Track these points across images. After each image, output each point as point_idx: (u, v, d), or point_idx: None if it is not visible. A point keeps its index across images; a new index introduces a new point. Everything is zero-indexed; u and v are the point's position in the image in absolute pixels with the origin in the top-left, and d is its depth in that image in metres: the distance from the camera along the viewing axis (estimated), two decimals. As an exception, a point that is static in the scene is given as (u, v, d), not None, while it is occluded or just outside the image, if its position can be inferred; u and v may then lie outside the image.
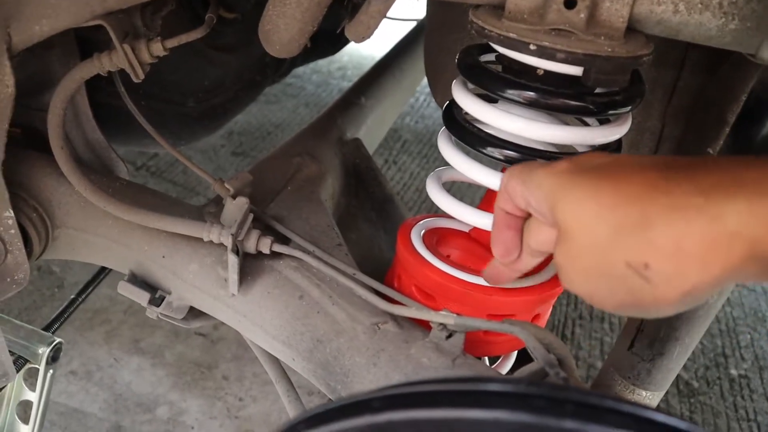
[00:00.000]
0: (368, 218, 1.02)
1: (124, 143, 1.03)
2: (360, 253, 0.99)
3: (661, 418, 0.31)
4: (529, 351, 0.50)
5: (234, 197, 0.73)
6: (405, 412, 0.32)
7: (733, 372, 1.57)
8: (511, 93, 0.59)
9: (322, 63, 2.91)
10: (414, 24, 1.76)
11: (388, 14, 1.71)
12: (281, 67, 1.30)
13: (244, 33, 1.13)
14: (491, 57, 0.64)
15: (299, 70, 2.83)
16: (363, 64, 2.91)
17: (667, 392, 1.48)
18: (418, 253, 0.70)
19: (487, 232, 0.74)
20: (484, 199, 0.79)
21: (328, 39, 1.31)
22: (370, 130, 1.17)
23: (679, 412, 1.44)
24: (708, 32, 0.56)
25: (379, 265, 0.96)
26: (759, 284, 1.90)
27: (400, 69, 1.37)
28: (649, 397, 0.64)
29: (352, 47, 2.96)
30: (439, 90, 1.02)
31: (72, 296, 1.13)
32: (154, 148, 1.45)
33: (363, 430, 0.33)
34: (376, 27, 0.57)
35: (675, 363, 0.61)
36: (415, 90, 1.51)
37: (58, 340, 0.86)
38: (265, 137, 2.28)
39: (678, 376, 1.54)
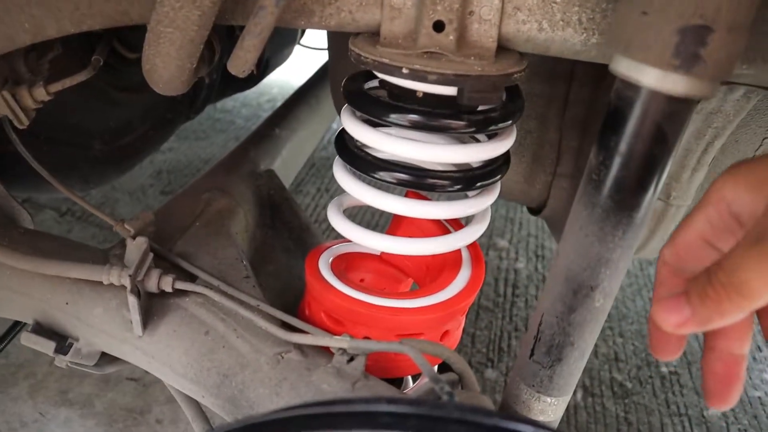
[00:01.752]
0: (286, 248, 1.02)
1: (29, 190, 1.01)
2: (279, 283, 0.98)
3: (508, 425, 0.32)
4: (419, 368, 0.51)
5: (134, 237, 0.72)
6: (259, 442, 0.32)
7: (664, 369, 1.62)
8: (394, 117, 0.60)
9: (251, 96, 2.90)
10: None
11: (305, 43, 1.72)
12: (194, 104, 1.29)
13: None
14: (375, 83, 0.66)
15: (228, 104, 2.82)
16: (292, 94, 2.92)
17: (602, 395, 1.51)
18: (324, 280, 0.71)
19: (396, 254, 0.76)
20: (392, 222, 0.80)
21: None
22: (286, 161, 1.17)
23: (615, 413, 1.47)
24: (574, 47, 0.59)
25: (299, 294, 0.96)
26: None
27: (315, 98, 1.38)
28: (555, 402, 0.65)
29: (281, 78, 2.97)
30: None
31: (-15, 352, 1.09)
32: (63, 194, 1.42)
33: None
34: (254, 60, 0.57)
35: (574, 367, 0.62)
36: (333, 118, 1.52)
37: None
38: (195, 174, 2.26)
39: (612, 379, 1.57)
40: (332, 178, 2.28)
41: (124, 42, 0.99)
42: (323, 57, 1.83)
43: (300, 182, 2.24)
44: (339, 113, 1.07)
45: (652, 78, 0.46)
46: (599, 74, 0.87)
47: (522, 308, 1.78)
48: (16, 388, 1.40)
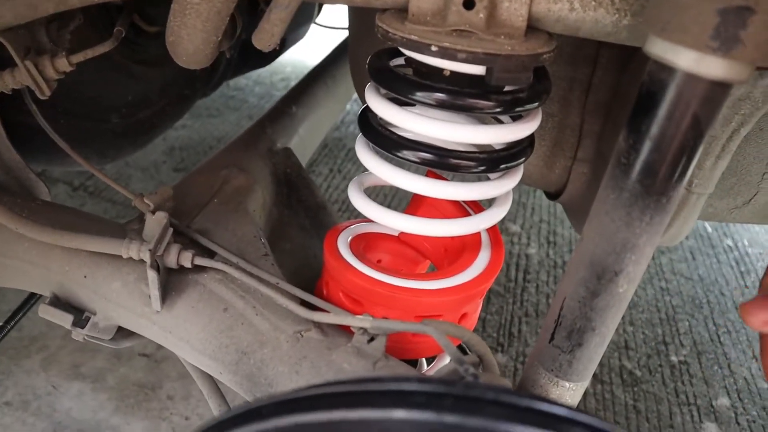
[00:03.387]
0: (302, 227, 1.02)
1: (46, 163, 1.00)
2: (295, 262, 0.98)
3: (541, 406, 0.32)
4: (444, 349, 0.50)
5: (154, 212, 0.72)
6: (290, 417, 0.32)
7: (674, 359, 1.62)
8: (420, 95, 0.60)
9: (264, 74, 2.89)
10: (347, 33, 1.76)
11: (320, 21, 1.71)
12: (211, 80, 1.28)
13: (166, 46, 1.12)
14: (401, 61, 0.65)
15: (241, 82, 2.81)
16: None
17: (611, 383, 1.52)
18: (343, 259, 0.70)
19: (415, 235, 0.75)
20: (411, 202, 0.80)
21: (257, 50, 1.31)
22: (303, 139, 1.16)
23: (624, 401, 1.48)
24: (604, 28, 0.58)
25: (314, 273, 0.96)
26: (696, 272, 1.96)
27: (332, 77, 1.37)
28: (573, 387, 0.65)
29: (294, 58, 2.95)
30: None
31: (0, 324, 1.10)
32: (80, 167, 1.42)
33: (251, 438, 0.33)
34: (280, 34, 0.57)
35: (594, 353, 0.62)
36: (350, 98, 1.51)
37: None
38: (208, 152, 2.25)
39: (621, 366, 1.57)
40: (345, 159, 2.27)
41: (142, 15, 0.98)
42: (338, 36, 1.81)
43: (313, 162, 2.24)
44: (358, 91, 1.07)
45: (689, 60, 0.45)
46: (625, 59, 0.86)
47: (533, 293, 1.77)
48: (29, 360, 1.41)
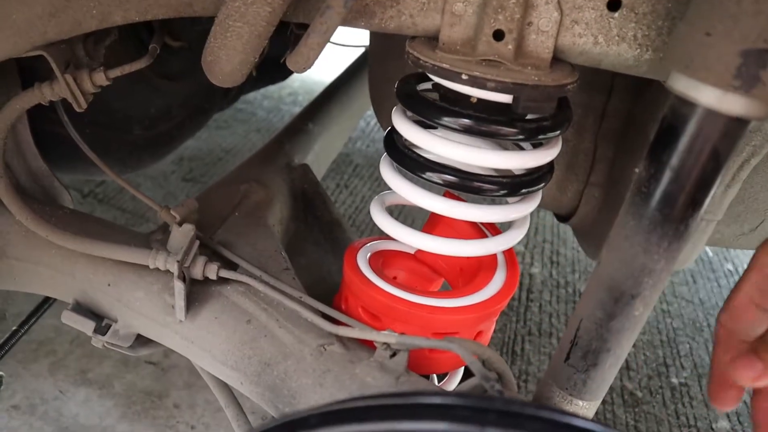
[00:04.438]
0: (317, 242, 1.04)
1: (69, 171, 1.02)
2: (310, 276, 1.00)
3: (580, 423, 0.34)
4: (469, 366, 0.52)
5: (180, 224, 0.74)
6: (339, 428, 0.34)
7: (674, 380, 1.63)
8: (446, 120, 0.62)
9: (272, 89, 2.92)
10: (362, 50, 1.79)
11: (335, 40, 1.74)
12: (229, 94, 1.31)
13: (190, 61, 1.14)
14: (428, 85, 0.67)
15: (250, 96, 2.84)
16: (314, 89, 2.94)
17: (612, 403, 1.53)
18: (364, 275, 0.72)
19: (432, 254, 0.77)
20: (428, 222, 0.82)
21: (275, 66, 1.33)
22: (318, 156, 1.19)
23: (624, 421, 1.49)
24: (626, 62, 0.60)
25: (328, 288, 0.98)
26: (697, 295, 1.98)
27: (347, 95, 1.40)
28: (586, 406, 0.66)
29: (303, 74, 2.98)
30: (384, 116, 1.05)
31: (14, 328, 1.11)
32: (100, 176, 1.44)
33: (301, 446, 0.35)
34: (315, 58, 0.59)
35: (608, 373, 0.63)
36: (362, 115, 1.54)
37: (-1, 373, 0.84)
38: (216, 163, 2.28)
39: (623, 387, 1.59)
40: (351, 175, 2.29)
41: (168, 30, 1.01)
42: (346, 53, 1.84)
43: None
44: (376, 110, 1.09)
45: (711, 97, 0.48)
46: (639, 88, 0.88)
47: (536, 313, 1.79)
48: (37, 364, 1.42)
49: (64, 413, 1.32)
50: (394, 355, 0.61)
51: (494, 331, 1.69)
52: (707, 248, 2.22)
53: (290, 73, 1.61)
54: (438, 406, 0.33)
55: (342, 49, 1.99)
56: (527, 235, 2.13)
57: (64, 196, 0.90)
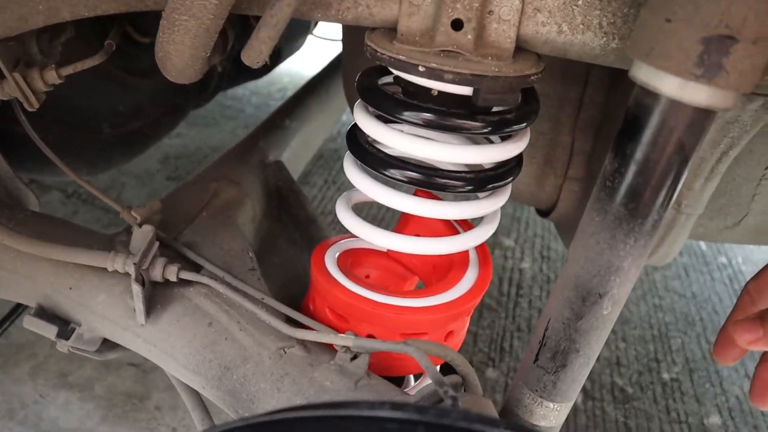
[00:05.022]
0: (292, 240, 1.02)
1: (35, 172, 1.00)
2: (284, 275, 0.98)
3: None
4: (424, 369, 0.50)
5: (141, 225, 0.72)
6: (260, 443, 0.32)
7: (665, 376, 1.61)
8: (407, 115, 0.60)
9: (261, 84, 2.90)
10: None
11: (318, 33, 1.71)
12: (205, 91, 1.29)
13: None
14: (390, 79, 0.65)
15: (238, 92, 2.82)
16: (303, 84, 2.91)
17: (602, 399, 1.51)
18: (329, 275, 0.70)
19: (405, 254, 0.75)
20: (400, 220, 0.80)
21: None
22: (295, 152, 1.16)
23: (614, 418, 1.47)
24: (592, 51, 0.58)
25: (304, 287, 0.95)
26: (689, 289, 1.96)
27: (326, 91, 1.38)
28: (557, 408, 0.65)
29: (291, 68, 2.96)
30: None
31: (-13, 332, 1.09)
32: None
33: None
34: (268, 52, 0.57)
35: (578, 374, 0.62)
36: (343, 111, 1.52)
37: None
38: (202, 161, 2.25)
39: (613, 383, 1.57)
40: (339, 170, 2.27)
41: (135, 26, 0.98)
42: (335, 48, 1.82)
43: (307, 173, 2.24)
44: (351, 107, 1.07)
45: (673, 86, 0.46)
46: (615, 78, 0.86)
47: (525, 308, 1.77)
48: (17, 369, 1.40)
49: (44, 417, 1.30)
50: (354, 357, 0.59)
51: (483, 327, 1.67)
52: (700, 242, 2.19)
53: (271, 68, 1.59)
54: (363, 419, 0.31)
55: (333, 44, 1.97)
56: (518, 229, 2.11)
57: (29, 197, 0.87)
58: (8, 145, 0.86)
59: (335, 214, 0.71)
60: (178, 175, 2.15)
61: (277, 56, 1.58)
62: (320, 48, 2.25)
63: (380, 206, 2.00)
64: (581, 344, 0.59)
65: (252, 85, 2.86)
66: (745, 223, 0.98)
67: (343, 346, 0.59)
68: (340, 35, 1.54)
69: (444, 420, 0.31)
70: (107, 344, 0.80)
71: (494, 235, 2.07)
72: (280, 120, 1.18)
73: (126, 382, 1.40)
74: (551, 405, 0.64)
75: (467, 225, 0.76)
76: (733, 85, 0.44)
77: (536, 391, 0.64)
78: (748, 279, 0.64)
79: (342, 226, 0.71)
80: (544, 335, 0.61)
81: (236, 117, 2.63)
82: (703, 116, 0.47)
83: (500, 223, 0.73)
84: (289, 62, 1.93)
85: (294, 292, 0.94)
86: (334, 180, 2.22)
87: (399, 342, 0.56)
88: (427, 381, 0.82)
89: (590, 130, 0.91)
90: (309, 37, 1.83)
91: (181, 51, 0.57)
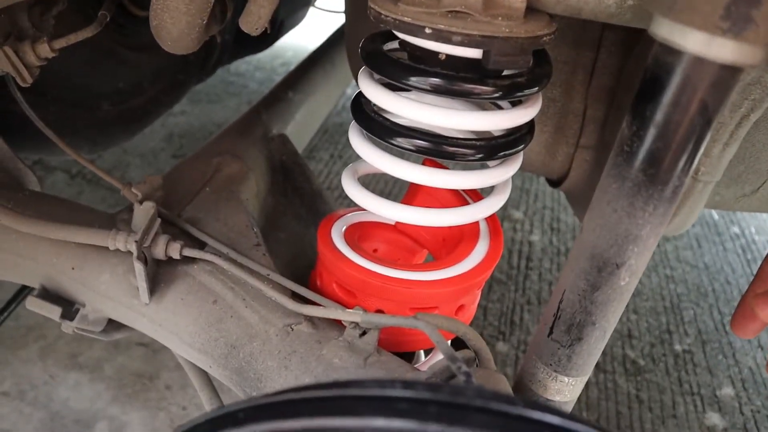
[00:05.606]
0: (298, 215, 1.00)
1: (35, 152, 0.98)
2: (290, 251, 0.96)
3: (535, 415, 0.30)
4: (435, 344, 0.48)
5: (142, 202, 0.70)
6: (267, 424, 0.30)
7: (678, 347, 1.60)
8: (414, 80, 0.57)
9: (265, 59, 2.86)
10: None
11: (320, 5, 1.67)
12: (206, 66, 1.26)
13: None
14: (396, 44, 0.62)
15: (241, 67, 2.78)
16: (306, 59, 2.87)
17: (614, 372, 1.50)
18: (336, 249, 0.68)
19: (413, 225, 0.73)
20: (408, 191, 0.77)
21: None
22: (300, 125, 1.14)
23: (626, 390, 1.46)
24: (608, 9, 0.55)
25: (310, 262, 0.94)
26: (702, 260, 1.93)
27: (330, 62, 1.35)
28: (572, 382, 0.63)
29: (295, 42, 2.92)
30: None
31: (-6, 313, 1.09)
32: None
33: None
34: (267, 17, 0.54)
35: (594, 347, 0.60)
36: (348, 83, 1.49)
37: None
38: (207, 137, 2.22)
39: (624, 356, 1.55)
40: (346, 144, 2.24)
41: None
42: (338, 20, 1.78)
43: (313, 148, 2.21)
44: (355, 77, 1.04)
45: (697, 42, 0.43)
46: (629, 42, 0.83)
47: (535, 281, 1.75)
48: (27, 350, 1.40)
49: (54, 398, 1.30)
50: (364, 333, 0.57)
51: (492, 301, 1.66)
52: (713, 211, 2.16)
53: (273, 41, 1.55)
54: (373, 398, 0.29)
55: (335, 16, 1.93)
56: (527, 201, 2.08)
57: (30, 177, 0.85)
58: (8, 125, 0.84)
59: (342, 190, 0.69)
60: (183, 153, 2.13)
61: (279, 29, 1.54)
62: (323, 21, 2.21)
63: (387, 180, 1.98)
64: (597, 317, 0.57)
65: (255, 59, 2.83)
66: (762, 191, 0.95)
67: (352, 322, 0.57)
68: (342, 6, 1.51)
69: (458, 399, 0.29)
70: (113, 324, 0.79)
71: (503, 207, 2.05)
72: (283, 93, 1.15)
73: (135, 362, 1.39)
74: (566, 379, 0.62)
75: (477, 196, 0.74)
76: (762, 40, 0.41)
77: (550, 365, 0.62)
78: (761, 249, 0.63)
79: (349, 200, 0.69)
80: (558, 308, 0.59)
81: (240, 93, 2.60)
82: (728, 74, 0.45)
83: (509, 195, 0.71)
84: (292, 36, 1.89)
85: (300, 268, 0.93)
86: (340, 154, 2.19)
87: (409, 317, 0.54)
88: (438, 356, 0.81)
89: (603, 97, 0.88)
90: (311, 10, 1.79)
91: (176, 18, 0.55)
